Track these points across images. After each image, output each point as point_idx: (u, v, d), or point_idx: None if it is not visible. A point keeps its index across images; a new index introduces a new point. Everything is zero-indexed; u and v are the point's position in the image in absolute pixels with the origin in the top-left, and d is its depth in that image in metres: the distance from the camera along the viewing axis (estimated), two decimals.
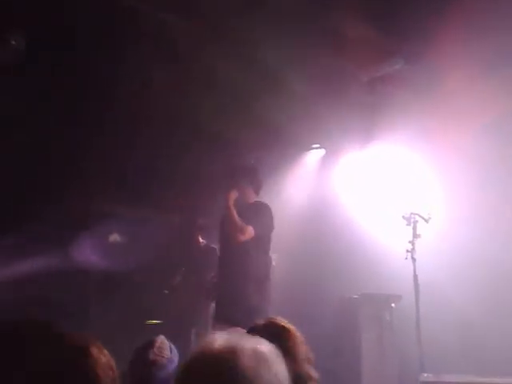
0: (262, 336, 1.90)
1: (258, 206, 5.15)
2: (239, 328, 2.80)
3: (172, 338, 2.83)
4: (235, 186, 5.03)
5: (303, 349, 1.99)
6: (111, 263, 7.10)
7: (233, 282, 4.91)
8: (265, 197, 5.99)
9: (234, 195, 4.98)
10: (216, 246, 5.51)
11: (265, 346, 1.35)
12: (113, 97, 5.95)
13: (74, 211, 6.89)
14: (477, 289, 5.76)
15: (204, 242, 6.83)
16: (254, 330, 2.07)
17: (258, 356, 1.30)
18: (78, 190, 6.91)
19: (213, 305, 6.50)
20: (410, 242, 5.32)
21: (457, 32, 4.98)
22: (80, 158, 6.74)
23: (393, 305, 6.08)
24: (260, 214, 5.05)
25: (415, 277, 5.26)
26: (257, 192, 5.22)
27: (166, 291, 6.84)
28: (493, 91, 5.51)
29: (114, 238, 7.58)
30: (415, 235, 5.32)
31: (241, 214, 4.91)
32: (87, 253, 7.14)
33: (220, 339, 1.33)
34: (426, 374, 4.99)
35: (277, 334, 1.99)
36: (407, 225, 5.37)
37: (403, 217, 5.42)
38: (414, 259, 5.27)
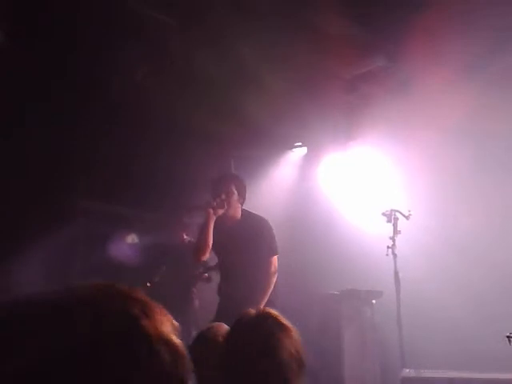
0: (252, 325, 1.95)
1: (264, 225, 5.03)
2: None
3: None
4: (225, 200, 4.87)
5: (293, 341, 2.02)
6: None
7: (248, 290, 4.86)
8: (247, 194, 5.98)
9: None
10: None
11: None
12: (92, 93, 5.94)
13: (60, 208, 6.86)
14: (457, 284, 5.83)
15: (188, 238, 6.86)
16: (245, 319, 2.09)
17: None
18: (62, 186, 6.88)
19: (196, 302, 6.53)
20: (390, 238, 5.36)
21: (438, 32, 5.03)
22: (63, 154, 6.71)
23: (374, 301, 6.12)
24: (271, 235, 4.99)
25: (396, 273, 5.30)
26: (242, 203, 5.09)
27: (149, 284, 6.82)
28: (472, 91, 5.58)
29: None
30: (396, 231, 5.36)
31: (241, 231, 4.86)
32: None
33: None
34: (407, 370, 5.03)
35: (267, 324, 2.03)
36: (388, 221, 5.41)
37: (383, 214, 5.46)
38: (394, 255, 5.31)
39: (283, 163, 7.95)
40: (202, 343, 2.88)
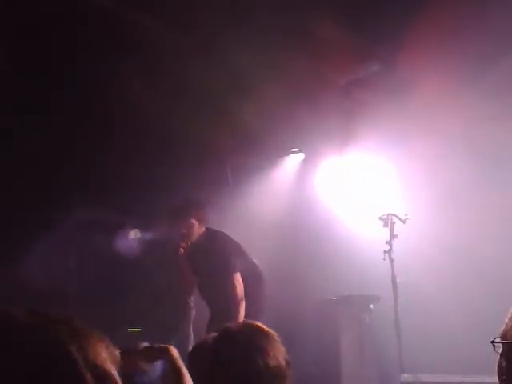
0: (237, 336, 1.97)
1: (218, 246, 5.06)
2: None
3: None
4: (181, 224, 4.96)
5: (279, 347, 2.02)
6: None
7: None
8: (244, 201, 5.99)
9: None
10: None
11: None
12: (88, 104, 5.95)
13: (55, 219, 6.84)
14: (454, 288, 5.82)
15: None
16: (229, 330, 2.10)
17: None
18: (60, 195, 6.87)
19: (193, 313, 6.51)
20: (387, 242, 5.36)
21: (433, 37, 5.04)
22: (60, 164, 6.72)
23: (371, 306, 6.11)
24: (225, 254, 5.02)
25: (393, 277, 5.29)
26: (205, 225, 5.11)
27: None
28: (468, 97, 5.58)
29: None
30: (392, 236, 5.35)
31: (199, 256, 4.91)
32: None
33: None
34: (405, 375, 5.02)
35: (252, 334, 2.03)
36: (384, 226, 5.41)
37: (380, 218, 5.45)
38: (391, 260, 5.31)
39: (280, 169, 7.95)
40: (196, 354, 2.95)
